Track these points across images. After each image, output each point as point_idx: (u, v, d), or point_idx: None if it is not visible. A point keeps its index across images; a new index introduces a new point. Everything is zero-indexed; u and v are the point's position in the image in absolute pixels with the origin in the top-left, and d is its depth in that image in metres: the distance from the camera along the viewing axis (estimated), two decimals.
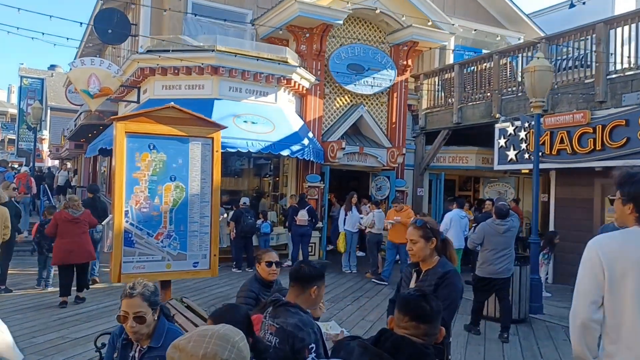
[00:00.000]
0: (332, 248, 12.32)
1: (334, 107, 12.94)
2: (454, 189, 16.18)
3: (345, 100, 13.02)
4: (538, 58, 8.18)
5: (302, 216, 10.81)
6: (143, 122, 4.05)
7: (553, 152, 9.83)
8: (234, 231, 10.46)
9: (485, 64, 12.23)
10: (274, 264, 3.63)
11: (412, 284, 3.00)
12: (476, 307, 6.92)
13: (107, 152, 12.82)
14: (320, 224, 12.04)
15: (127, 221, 4.04)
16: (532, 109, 8.31)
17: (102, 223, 7.76)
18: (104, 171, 19.70)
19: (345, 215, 11.27)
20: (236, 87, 11.28)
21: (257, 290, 3.56)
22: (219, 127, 4.37)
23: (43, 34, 8.33)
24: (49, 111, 31.73)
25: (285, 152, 10.90)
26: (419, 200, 13.87)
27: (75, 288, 7.42)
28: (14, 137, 43.74)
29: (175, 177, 4.24)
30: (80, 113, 15.66)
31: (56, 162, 33.14)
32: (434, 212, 13.91)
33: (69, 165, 32.05)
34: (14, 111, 48.51)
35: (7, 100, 57.12)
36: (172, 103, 4.18)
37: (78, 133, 17.66)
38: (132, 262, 4.09)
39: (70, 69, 12.08)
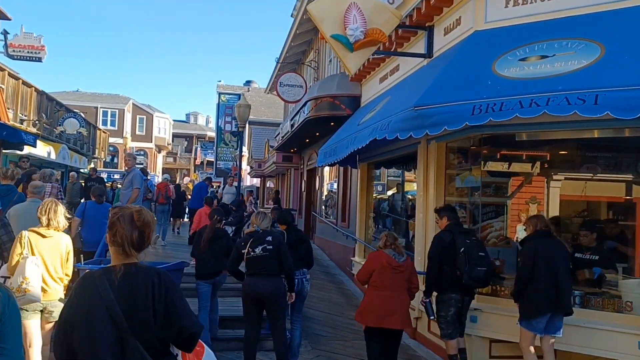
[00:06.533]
0: None
1: None
2: None
3: None
4: None
5: None
6: None
7: None
8: None
9: None
10: None
11: None
12: None
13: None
14: None
15: None
16: None
17: None
18: (324, 191, 14.66)
19: None
20: None
21: None
22: None
23: None
24: (247, 125, 28.78)
25: None
26: None
27: None
28: (212, 159, 43.24)
29: None
30: (306, 103, 10.59)
31: (255, 180, 29.93)
32: None
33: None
34: (212, 134, 48.62)
35: (206, 124, 58.89)
36: None
37: (295, 136, 12.84)
38: None
39: (312, 1, 6.76)
